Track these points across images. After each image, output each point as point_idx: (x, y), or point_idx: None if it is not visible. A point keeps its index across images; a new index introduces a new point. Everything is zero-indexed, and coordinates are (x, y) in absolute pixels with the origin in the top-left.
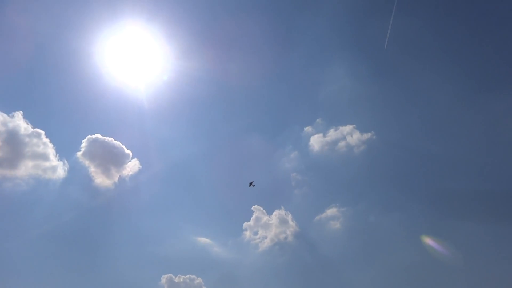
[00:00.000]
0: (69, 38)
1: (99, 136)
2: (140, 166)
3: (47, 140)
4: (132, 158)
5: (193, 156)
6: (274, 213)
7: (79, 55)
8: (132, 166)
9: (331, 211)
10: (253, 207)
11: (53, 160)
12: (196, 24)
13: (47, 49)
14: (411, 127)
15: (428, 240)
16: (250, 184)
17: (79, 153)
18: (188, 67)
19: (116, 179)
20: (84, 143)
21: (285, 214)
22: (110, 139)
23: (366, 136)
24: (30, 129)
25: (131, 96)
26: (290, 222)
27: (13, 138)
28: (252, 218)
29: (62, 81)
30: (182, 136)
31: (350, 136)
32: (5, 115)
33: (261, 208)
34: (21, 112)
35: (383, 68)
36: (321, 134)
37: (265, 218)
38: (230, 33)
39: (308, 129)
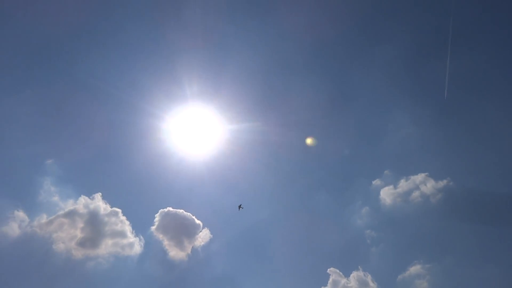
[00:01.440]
0: (139, 119)
1: (170, 209)
2: (211, 236)
3: (123, 218)
4: (203, 228)
5: (261, 221)
6: (352, 275)
7: (148, 133)
8: (203, 236)
9: (415, 269)
10: (328, 269)
11: (130, 236)
12: (254, 88)
13: (120, 130)
14: (489, 169)
15: None
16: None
17: (153, 228)
18: (248, 131)
19: (189, 250)
20: (157, 217)
21: (364, 275)
22: (181, 211)
23: (442, 183)
24: (108, 208)
25: (196, 167)
26: (371, 284)
27: (94, 219)
28: (329, 282)
29: (133, 159)
30: (248, 201)
31: (423, 185)
32: (86, 197)
33: (338, 271)
34: (100, 193)
35: (446, 111)
36: (391, 186)
37: (343, 281)
38: (284, 92)
39: (376, 182)
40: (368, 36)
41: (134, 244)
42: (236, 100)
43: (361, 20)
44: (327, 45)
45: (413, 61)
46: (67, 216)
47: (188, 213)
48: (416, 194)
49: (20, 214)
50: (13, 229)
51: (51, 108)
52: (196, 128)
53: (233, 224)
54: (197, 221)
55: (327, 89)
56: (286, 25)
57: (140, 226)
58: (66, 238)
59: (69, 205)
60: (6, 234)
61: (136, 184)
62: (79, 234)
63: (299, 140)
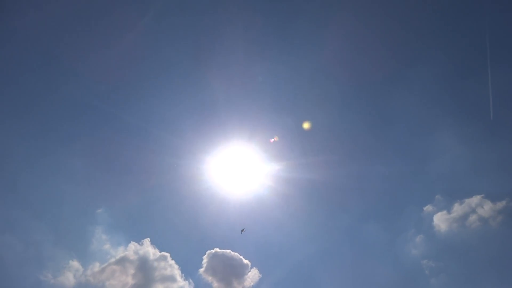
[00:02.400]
0: (182, 161)
1: (217, 249)
2: (260, 275)
3: (172, 262)
4: (251, 267)
5: (310, 256)
6: None
7: (192, 175)
8: (253, 276)
9: None
10: None
11: (180, 280)
12: (293, 125)
13: (164, 175)
14: None
15: None
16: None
17: (201, 270)
18: (291, 168)
19: None
20: (204, 259)
21: None
22: (228, 251)
23: (501, 204)
24: (157, 253)
25: (241, 206)
26: None
27: (144, 264)
28: None
29: (179, 202)
30: (295, 238)
31: (480, 207)
32: (136, 243)
33: None
34: (149, 238)
35: (494, 129)
36: (444, 211)
37: None
38: (323, 126)
39: (428, 208)
40: (403, 58)
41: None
42: (277, 138)
43: (394, 42)
44: (362, 73)
45: (451, 81)
46: (118, 263)
47: (236, 253)
48: (473, 218)
49: (75, 263)
50: (69, 279)
51: (99, 157)
52: (238, 168)
53: (282, 262)
54: (245, 261)
55: (366, 118)
56: (321, 58)
57: (188, 269)
58: (118, 285)
59: (120, 252)
60: (63, 284)
61: (183, 227)
62: (130, 280)
63: (342, 173)
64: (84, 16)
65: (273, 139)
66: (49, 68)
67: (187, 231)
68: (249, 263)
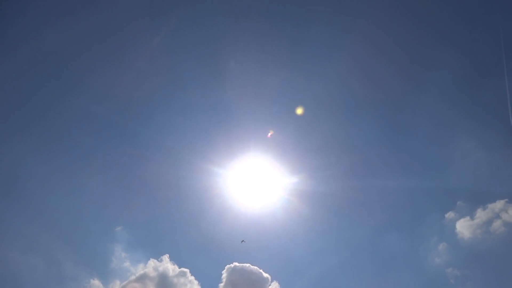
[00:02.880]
0: (199, 176)
1: (236, 264)
2: None
3: (192, 278)
4: (272, 281)
5: (331, 268)
6: None
7: (209, 189)
8: None
9: None
10: None
11: None
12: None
13: (180, 190)
14: None
15: None
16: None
17: (221, 285)
18: (308, 180)
19: None
20: (224, 273)
21: None
22: (247, 265)
23: None
24: (177, 269)
25: (258, 219)
26: None
27: (164, 281)
28: None
29: (196, 217)
30: (315, 249)
31: (504, 212)
32: (155, 260)
33: None
34: (168, 255)
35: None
36: (467, 218)
37: None
38: (338, 136)
39: (450, 214)
40: (417, 62)
41: None
42: (294, 151)
43: (408, 46)
44: (376, 79)
45: (468, 84)
46: (139, 280)
47: (255, 267)
48: (497, 223)
49: (96, 282)
50: None
51: (115, 174)
52: (255, 181)
53: (302, 274)
54: (265, 275)
55: (382, 126)
56: (335, 66)
57: (208, 285)
58: None
59: (140, 269)
60: None
61: (201, 242)
62: None
63: (360, 184)
64: (101, 30)
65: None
66: (64, 83)
67: (205, 246)
68: (269, 277)
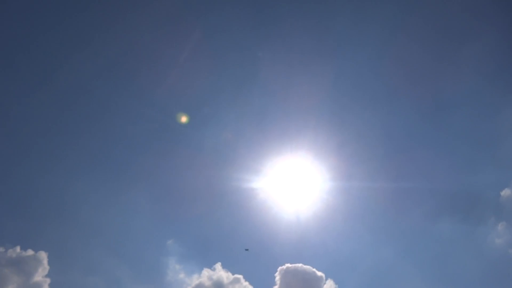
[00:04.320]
0: (241, 181)
1: (288, 265)
2: (336, 286)
3: (246, 283)
4: (326, 279)
5: (385, 260)
6: None
7: (253, 195)
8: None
9: None
10: None
11: None
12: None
13: (224, 198)
14: None
15: None
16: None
17: (275, 287)
18: (351, 175)
19: None
20: (277, 276)
21: None
22: (300, 265)
23: None
24: (230, 276)
25: (303, 220)
26: None
27: None
28: None
29: (243, 223)
30: (367, 243)
31: None
32: (208, 269)
33: None
34: (220, 263)
35: None
36: None
37: None
38: (378, 126)
39: (505, 192)
40: (451, 36)
41: None
42: (333, 148)
43: (442, 20)
44: (409, 60)
45: (506, 56)
46: None
47: (308, 266)
48: None
49: None
50: None
51: (162, 190)
52: (297, 183)
53: (357, 269)
54: (319, 273)
55: (423, 111)
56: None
57: None
58: None
59: (195, 279)
60: None
61: (251, 247)
62: None
63: (406, 173)
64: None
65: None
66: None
67: (255, 250)
68: (323, 275)
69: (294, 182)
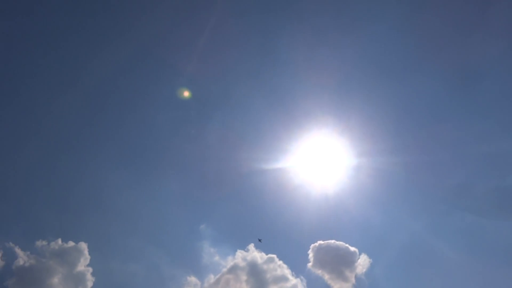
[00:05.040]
0: (269, 161)
1: (321, 242)
2: (370, 260)
3: (280, 262)
4: (360, 254)
5: (417, 233)
6: None
7: (281, 177)
8: (363, 262)
9: None
10: None
11: (292, 279)
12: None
13: (252, 179)
14: None
15: None
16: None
17: (309, 265)
18: (381, 150)
19: (353, 280)
20: (310, 253)
21: None
22: (333, 241)
23: None
24: (264, 256)
25: (333, 198)
26: None
27: (254, 269)
28: None
29: (273, 203)
30: (398, 217)
31: None
32: (242, 251)
33: None
34: (253, 244)
35: None
36: None
37: None
38: (404, 96)
39: None
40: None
41: (297, 285)
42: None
43: None
44: (433, 28)
45: None
46: (231, 272)
47: (340, 242)
48: None
49: (192, 279)
50: None
51: (192, 176)
52: (327, 159)
53: (389, 242)
54: (352, 249)
55: (449, 78)
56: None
57: (297, 267)
58: None
59: (229, 261)
60: None
61: (282, 226)
62: (245, 286)
63: (434, 145)
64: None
65: None
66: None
67: (287, 229)
68: (357, 250)
69: (321, 160)
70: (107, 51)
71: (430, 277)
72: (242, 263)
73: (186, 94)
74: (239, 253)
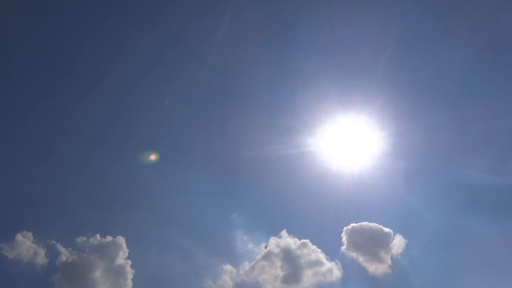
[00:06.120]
0: (293, 144)
1: (354, 224)
2: (406, 240)
3: (314, 247)
4: (395, 235)
5: (452, 211)
6: None
7: (308, 159)
8: (398, 243)
9: None
10: None
11: (326, 263)
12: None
13: (277, 164)
14: None
15: None
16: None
17: (343, 248)
18: (404, 129)
19: (389, 261)
20: (343, 236)
21: None
22: (365, 223)
23: None
24: (297, 242)
25: (362, 178)
26: None
27: (288, 255)
28: None
29: (302, 187)
30: (432, 195)
31: None
32: (275, 237)
33: None
34: (285, 229)
35: None
36: None
37: None
38: (430, 69)
39: None
40: None
41: (332, 269)
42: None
43: None
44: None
45: None
46: (265, 258)
47: (374, 224)
48: None
49: (228, 267)
50: (227, 281)
51: (222, 167)
52: (356, 140)
53: (425, 222)
54: (386, 229)
55: (477, 47)
56: None
57: (331, 250)
58: (270, 279)
59: (263, 248)
60: (223, 287)
61: (313, 211)
62: (280, 272)
63: (467, 116)
64: None
65: None
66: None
67: (317, 213)
68: (391, 231)
69: (350, 141)
70: (132, 44)
71: (469, 256)
72: (276, 250)
73: (153, 158)
74: (272, 240)
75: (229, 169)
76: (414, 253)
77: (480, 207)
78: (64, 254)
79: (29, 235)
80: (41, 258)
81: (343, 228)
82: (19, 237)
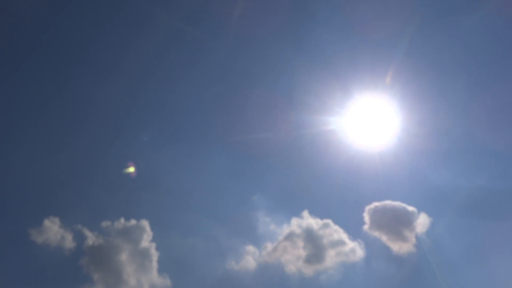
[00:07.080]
0: (318, 129)
1: (376, 203)
2: (431, 219)
3: (336, 227)
4: (419, 213)
5: (478, 187)
6: None
7: (325, 135)
8: (423, 222)
9: None
10: None
11: (349, 242)
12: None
13: (302, 147)
14: None
15: None
16: None
17: (365, 227)
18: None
19: (413, 240)
20: (365, 216)
21: None
22: (388, 202)
23: None
24: (319, 222)
25: (384, 153)
26: None
27: (310, 235)
28: None
29: (323, 167)
30: (458, 172)
31: None
32: (296, 218)
33: None
34: (307, 210)
35: None
36: None
37: None
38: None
39: None
40: None
41: (355, 249)
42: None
43: None
44: None
45: None
46: (287, 239)
47: (397, 202)
48: None
49: (250, 248)
50: (250, 262)
51: (241, 148)
52: (378, 118)
53: (450, 200)
54: (410, 208)
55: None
56: None
57: (353, 230)
58: (293, 259)
59: (285, 229)
60: (246, 268)
61: (334, 190)
62: (302, 252)
63: (493, 89)
64: None
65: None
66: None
67: (339, 193)
68: (415, 210)
69: (373, 119)
70: (151, 23)
71: (496, 234)
72: (298, 230)
73: (132, 170)
74: (294, 221)
75: (250, 150)
76: (440, 232)
77: (508, 187)
78: (90, 238)
79: (56, 220)
80: (69, 242)
81: (365, 207)
82: (46, 222)
